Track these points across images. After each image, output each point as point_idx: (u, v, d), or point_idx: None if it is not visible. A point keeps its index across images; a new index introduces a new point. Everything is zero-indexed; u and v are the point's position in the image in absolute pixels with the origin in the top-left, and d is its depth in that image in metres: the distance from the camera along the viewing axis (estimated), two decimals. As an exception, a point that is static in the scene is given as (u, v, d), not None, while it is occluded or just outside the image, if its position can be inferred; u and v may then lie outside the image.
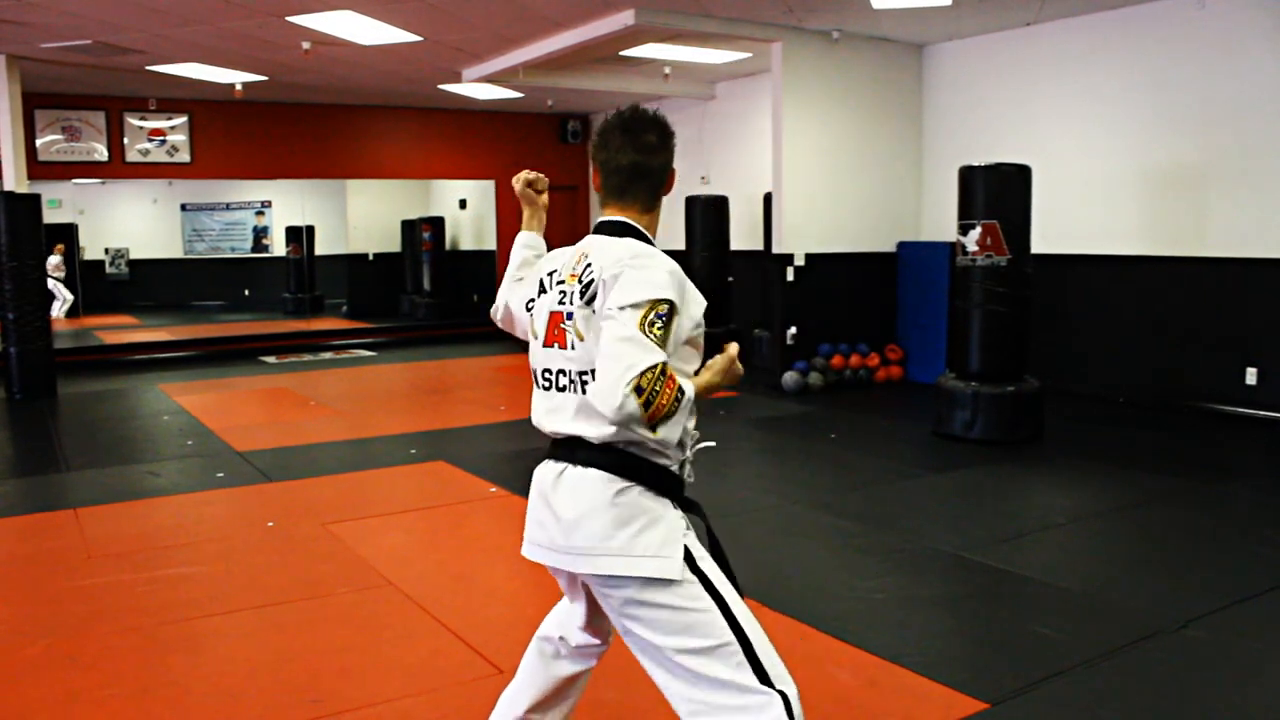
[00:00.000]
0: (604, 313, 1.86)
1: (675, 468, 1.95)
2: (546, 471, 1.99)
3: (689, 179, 11.43)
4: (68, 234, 15.59)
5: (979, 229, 6.14)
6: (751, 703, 1.81)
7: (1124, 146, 7.43)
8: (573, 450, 1.94)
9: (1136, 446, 6.09)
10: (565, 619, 2.21)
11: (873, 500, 4.97)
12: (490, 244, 13.14)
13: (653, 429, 1.77)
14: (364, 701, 2.85)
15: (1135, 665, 3.03)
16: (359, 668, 3.08)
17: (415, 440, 6.43)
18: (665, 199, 2.12)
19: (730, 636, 1.85)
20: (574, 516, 1.90)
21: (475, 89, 10.55)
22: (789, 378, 8.11)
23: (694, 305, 1.93)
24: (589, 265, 1.95)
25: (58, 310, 14.84)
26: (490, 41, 8.41)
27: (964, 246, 6.25)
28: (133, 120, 10.98)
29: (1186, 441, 6.20)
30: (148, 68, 9.06)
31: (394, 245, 14.88)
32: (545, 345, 2.01)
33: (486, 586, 3.88)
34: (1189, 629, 3.30)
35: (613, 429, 1.81)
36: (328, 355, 11.46)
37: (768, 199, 9.28)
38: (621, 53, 8.81)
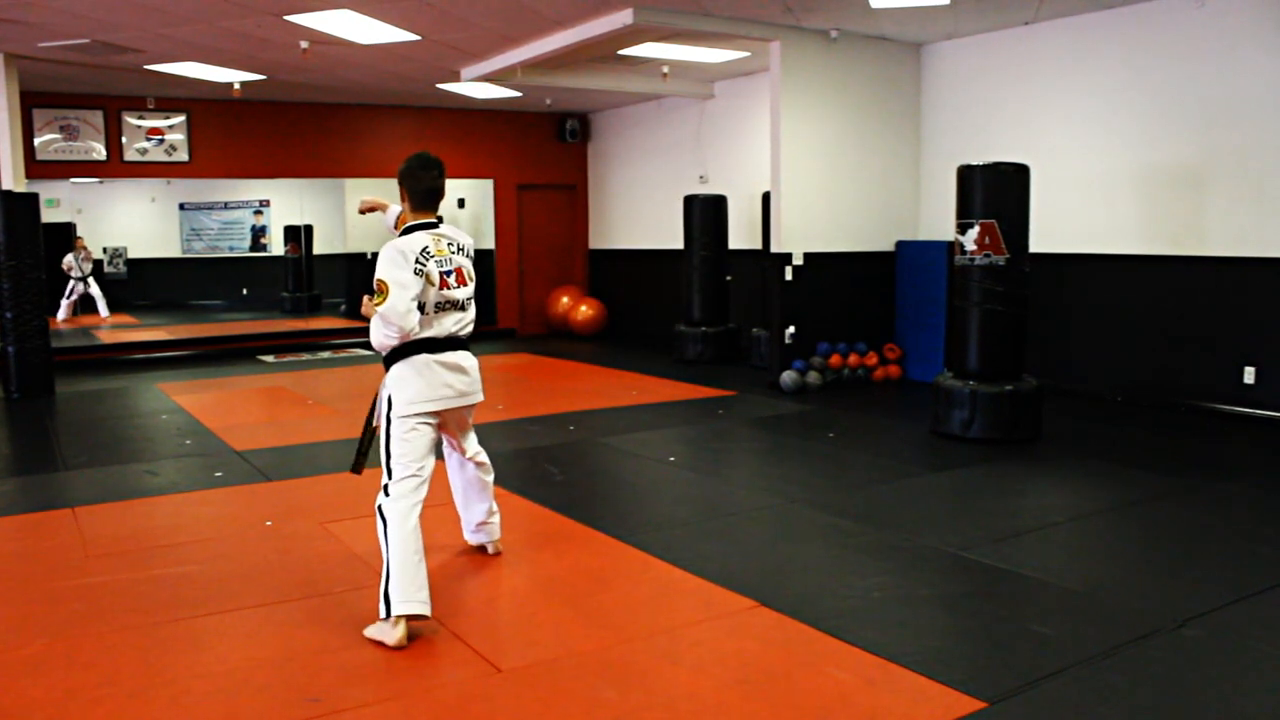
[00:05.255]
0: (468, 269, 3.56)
1: None
2: (451, 354, 3.52)
3: (687, 178, 11.44)
4: (65, 233, 15.60)
5: (977, 228, 6.14)
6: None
7: (1122, 145, 7.43)
8: (462, 342, 3.57)
9: (1134, 445, 6.09)
10: (449, 446, 3.97)
11: (871, 499, 4.97)
12: (489, 243, 13.12)
13: None
14: (363, 701, 2.85)
15: (1134, 664, 3.03)
16: (358, 667, 3.08)
17: (414, 439, 6.41)
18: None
19: None
20: (475, 374, 3.65)
21: (474, 88, 10.55)
22: (787, 377, 8.11)
23: None
24: (451, 242, 3.48)
25: (64, 311, 14.85)
26: (488, 40, 8.41)
27: (962, 246, 6.25)
28: (131, 119, 10.98)
29: (1184, 440, 6.21)
30: (146, 67, 9.05)
31: (392, 244, 14.86)
32: (454, 286, 3.47)
33: (486, 586, 3.88)
34: (1187, 627, 3.30)
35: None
36: (326, 354, 11.46)
37: (766, 198, 9.29)
38: (620, 52, 8.81)
